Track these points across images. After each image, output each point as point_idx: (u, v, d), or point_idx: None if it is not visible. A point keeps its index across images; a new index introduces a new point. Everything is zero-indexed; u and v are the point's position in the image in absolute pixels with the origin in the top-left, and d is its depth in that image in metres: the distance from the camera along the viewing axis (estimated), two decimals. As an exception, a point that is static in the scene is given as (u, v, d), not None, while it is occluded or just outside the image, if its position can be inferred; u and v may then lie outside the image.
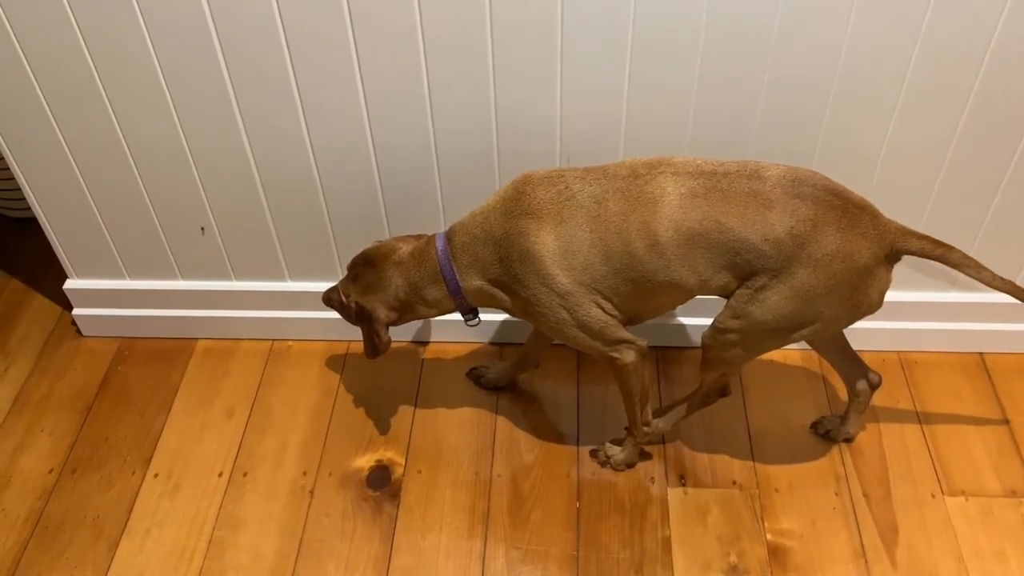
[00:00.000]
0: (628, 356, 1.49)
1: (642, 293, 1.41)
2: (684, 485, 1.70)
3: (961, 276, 1.76)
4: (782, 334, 1.41)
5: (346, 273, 1.61)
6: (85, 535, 1.66)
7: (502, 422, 1.82)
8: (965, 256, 1.39)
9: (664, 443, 1.76)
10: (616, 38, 1.46)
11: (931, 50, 1.45)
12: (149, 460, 1.78)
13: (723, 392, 1.68)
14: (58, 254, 1.91)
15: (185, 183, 1.74)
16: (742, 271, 1.35)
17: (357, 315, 1.58)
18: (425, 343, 1.98)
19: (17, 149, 1.71)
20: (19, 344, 2.05)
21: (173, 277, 1.93)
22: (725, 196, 1.32)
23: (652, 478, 1.71)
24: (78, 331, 2.05)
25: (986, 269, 1.40)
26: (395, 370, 1.93)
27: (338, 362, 1.96)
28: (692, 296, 1.44)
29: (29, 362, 2.01)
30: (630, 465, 1.72)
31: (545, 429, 1.80)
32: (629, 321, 1.50)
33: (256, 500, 1.70)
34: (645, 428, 1.64)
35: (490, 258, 1.45)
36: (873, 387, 1.66)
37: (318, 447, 1.79)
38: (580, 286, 1.41)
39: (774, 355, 1.91)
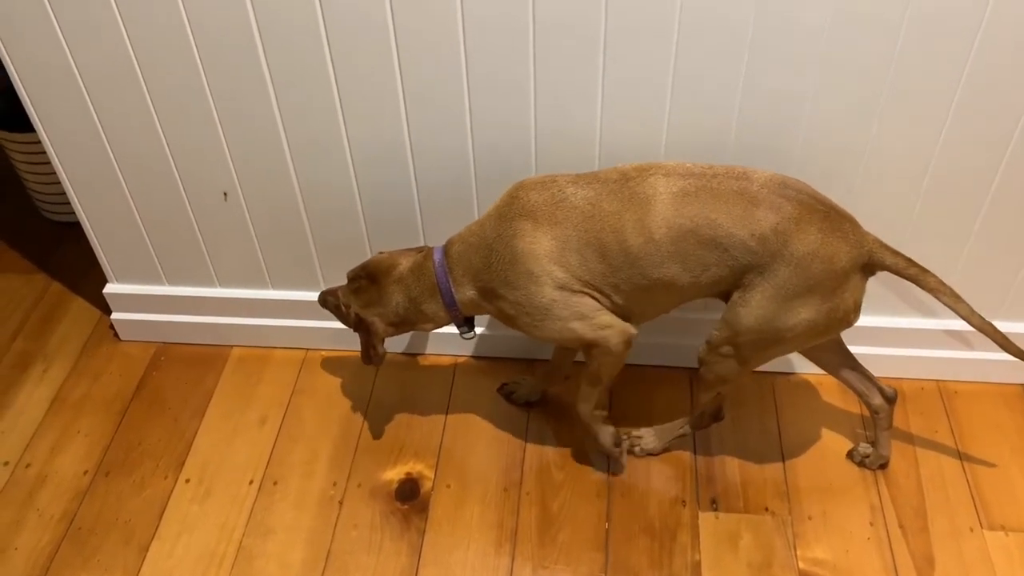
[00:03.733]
0: (614, 339, 1.49)
1: (637, 290, 1.44)
2: (716, 509, 1.67)
3: (1003, 304, 1.74)
4: (768, 342, 1.43)
5: (347, 282, 1.64)
6: (116, 537, 1.68)
7: (532, 439, 1.81)
8: (941, 283, 1.42)
9: (696, 466, 1.74)
10: (658, 51, 1.46)
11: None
12: (181, 465, 1.80)
13: (716, 416, 1.70)
14: (99, 258, 1.94)
15: (226, 192, 1.76)
16: (731, 268, 1.39)
17: (356, 324, 1.63)
18: (457, 357, 1.98)
19: (64, 154, 1.74)
20: (58, 346, 2.08)
21: (211, 284, 1.95)
22: (715, 194, 1.37)
23: (683, 501, 1.69)
24: (116, 335, 2.08)
25: (964, 302, 1.43)
26: (426, 383, 1.94)
27: (370, 373, 1.96)
28: (684, 298, 1.47)
29: (67, 364, 2.04)
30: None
31: (575, 448, 1.79)
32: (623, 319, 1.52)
33: (285, 509, 1.71)
34: (602, 413, 1.66)
35: (481, 264, 1.48)
36: (890, 401, 1.65)
37: (348, 458, 1.80)
38: (574, 279, 1.43)
39: (809, 380, 1.88)
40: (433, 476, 1.76)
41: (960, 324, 1.78)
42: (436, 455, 1.79)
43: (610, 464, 1.75)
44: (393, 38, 1.48)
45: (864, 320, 1.79)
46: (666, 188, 1.38)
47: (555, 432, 1.83)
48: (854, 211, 1.58)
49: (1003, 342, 1.48)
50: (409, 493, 1.73)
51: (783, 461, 1.75)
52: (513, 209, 1.45)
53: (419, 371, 1.96)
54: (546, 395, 1.88)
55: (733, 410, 1.84)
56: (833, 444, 1.77)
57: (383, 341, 1.62)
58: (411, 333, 1.90)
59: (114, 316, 2.05)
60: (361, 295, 1.60)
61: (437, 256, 1.54)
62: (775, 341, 1.43)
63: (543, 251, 1.42)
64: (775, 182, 1.37)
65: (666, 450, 1.76)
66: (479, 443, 1.81)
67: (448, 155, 1.64)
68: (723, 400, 1.69)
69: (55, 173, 1.78)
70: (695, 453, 1.77)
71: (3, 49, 1.58)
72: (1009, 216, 1.63)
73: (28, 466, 1.81)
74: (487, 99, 1.55)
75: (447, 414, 1.87)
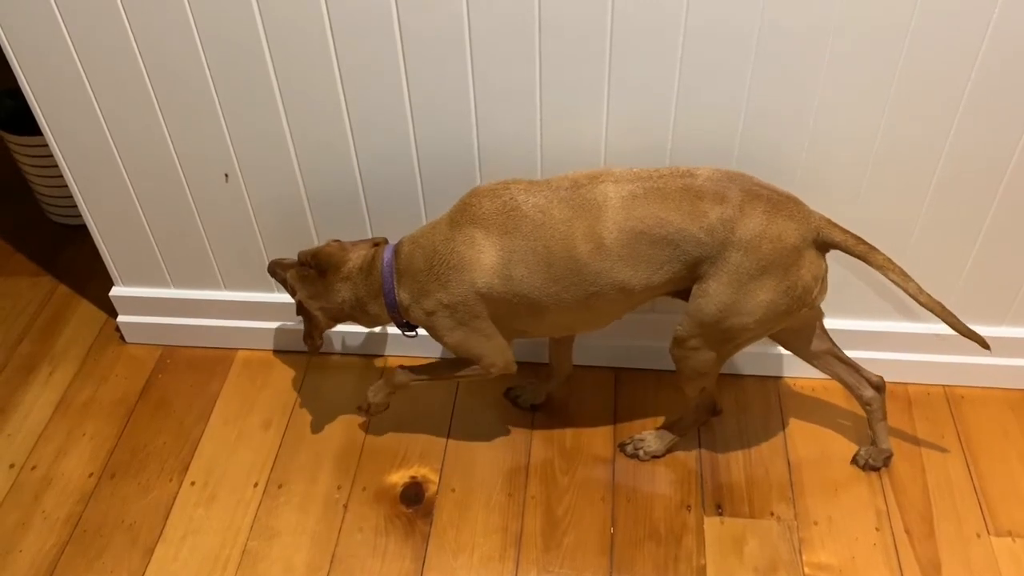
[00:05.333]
0: (497, 368, 1.57)
1: (583, 299, 1.45)
2: (721, 514, 1.67)
3: (1009, 310, 1.74)
4: (734, 328, 1.45)
5: (297, 262, 1.63)
6: (121, 540, 1.68)
7: (537, 443, 1.81)
8: (889, 260, 1.44)
9: (701, 471, 1.74)
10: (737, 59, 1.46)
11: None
12: (186, 468, 1.80)
13: (713, 410, 1.72)
14: (105, 261, 1.94)
15: (232, 197, 1.76)
16: (684, 263, 1.41)
17: (299, 309, 1.66)
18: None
19: (70, 157, 1.75)
20: (64, 348, 2.09)
21: (216, 287, 1.95)
22: (662, 194, 1.39)
23: (688, 506, 1.68)
24: (122, 338, 2.08)
25: (912, 281, 1.44)
26: (431, 386, 1.93)
27: (375, 376, 1.96)
28: (638, 301, 1.49)
29: (73, 366, 2.04)
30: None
31: (580, 452, 1.79)
32: (574, 330, 1.58)
33: (290, 512, 1.71)
34: (415, 380, 1.67)
35: (423, 265, 1.49)
36: (879, 389, 1.66)
37: (353, 461, 1.80)
38: (512, 294, 1.45)
39: (814, 384, 1.88)
40: (438, 480, 1.75)
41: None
42: (441, 459, 1.79)
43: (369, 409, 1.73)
44: (400, 42, 1.49)
45: (870, 325, 1.80)
46: (616, 193, 1.40)
47: (560, 436, 1.82)
48: (861, 217, 1.58)
49: (952, 321, 1.48)
50: (414, 497, 1.73)
51: (788, 466, 1.74)
52: (465, 216, 1.46)
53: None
54: (551, 397, 1.88)
55: (737, 414, 1.84)
56: (838, 448, 1.77)
57: (322, 334, 1.66)
58: (418, 336, 1.90)
59: (120, 319, 2.06)
60: (307, 284, 1.61)
61: (386, 256, 1.55)
62: (741, 327, 1.44)
63: (488, 263, 1.44)
64: (718, 175, 1.40)
65: (669, 451, 1.76)
66: (484, 447, 1.81)
67: (453, 157, 1.64)
68: (712, 393, 1.68)
69: (62, 176, 1.79)
70: (700, 458, 1.76)
71: (11, 52, 1.59)
72: (1018, 219, 1.62)
73: (34, 468, 1.82)
74: (493, 102, 1.56)
75: (452, 418, 1.87)
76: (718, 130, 1.54)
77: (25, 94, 1.65)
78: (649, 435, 1.76)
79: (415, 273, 1.51)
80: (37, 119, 1.69)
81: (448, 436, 1.83)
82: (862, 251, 1.43)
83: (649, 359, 1.89)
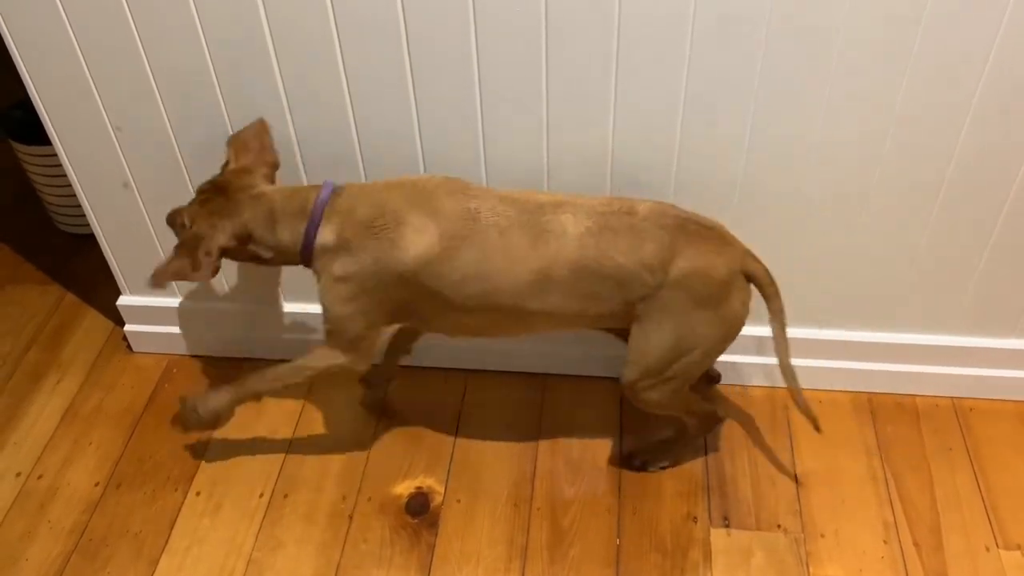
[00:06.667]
0: (346, 362, 1.55)
1: (508, 316, 1.48)
2: (728, 526, 1.66)
3: (1019, 322, 1.73)
4: (684, 363, 1.49)
5: (194, 197, 1.53)
6: (127, 550, 1.68)
7: (543, 454, 1.80)
8: (782, 311, 1.50)
9: (708, 483, 1.73)
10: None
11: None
12: (192, 478, 1.80)
13: (714, 419, 1.71)
14: (113, 271, 1.95)
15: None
16: (624, 301, 1.44)
17: (187, 240, 1.47)
18: (468, 371, 1.98)
19: (79, 167, 1.76)
20: (71, 357, 2.09)
21: (223, 298, 1.96)
22: (613, 232, 1.41)
23: (695, 518, 1.68)
24: (129, 347, 2.09)
25: (785, 342, 1.52)
26: (437, 396, 1.93)
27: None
28: (562, 327, 1.52)
29: (80, 375, 2.04)
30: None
31: (586, 463, 1.78)
32: (478, 335, 1.58)
33: (295, 523, 1.71)
34: (253, 401, 1.69)
35: (365, 217, 1.43)
36: (715, 381, 1.73)
37: (358, 471, 1.79)
38: (418, 294, 1.45)
39: (822, 397, 1.87)
40: (443, 491, 1.75)
41: (975, 341, 1.79)
42: (447, 469, 1.79)
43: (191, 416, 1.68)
44: (405, 44, 1.49)
45: (878, 336, 1.80)
46: (574, 228, 1.41)
47: (566, 447, 1.82)
48: (870, 226, 1.58)
49: (795, 394, 1.58)
50: (419, 508, 1.72)
51: (795, 478, 1.74)
52: (426, 201, 1.43)
53: (430, 384, 1.96)
54: (389, 397, 1.92)
55: (745, 426, 1.83)
56: (846, 461, 1.76)
57: (219, 256, 1.46)
58: (421, 342, 1.90)
59: (127, 328, 2.06)
60: (207, 209, 1.48)
61: (325, 193, 1.47)
62: (689, 361, 1.48)
63: (428, 255, 1.42)
64: (654, 212, 1.43)
65: (677, 463, 1.75)
66: (489, 457, 1.81)
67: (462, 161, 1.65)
68: (703, 407, 1.67)
69: (70, 186, 1.80)
70: (707, 469, 1.76)
71: (21, 62, 1.60)
72: (1025, 232, 1.62)
73: (40, 477, 1.82)
74: (500, 105, 1.56)
75: (458, 428, 1.87)
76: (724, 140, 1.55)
77: (35, 104, 1.66)
78: (655, 447, 1.75)
79: (352, 220, 1.44)
80: (46, 129, 1.70)
81: (454, 447, 1.83)
82: (770, 292, 1.49)
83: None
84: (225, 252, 1.48)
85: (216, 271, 1.47)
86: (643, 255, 1.40)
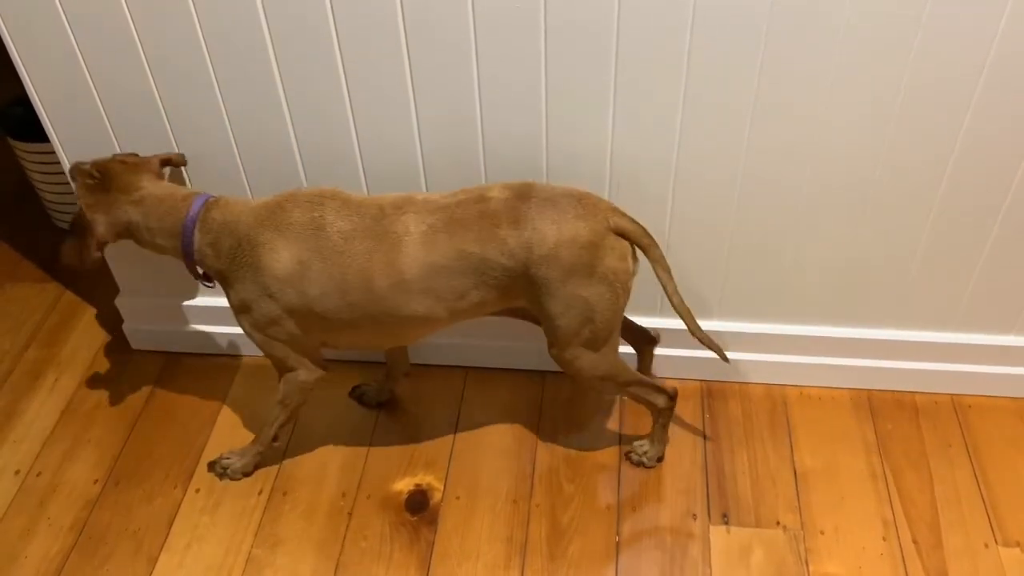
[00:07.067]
0: (303, 375, 1.61)
1: (384, 326, 1.49)
2: (727, 523, 1.66)
3: (1018, 318, 1.73)
4: (592, 328, 1.48)
5: (88, 171, 1.54)
6: (126, 547, 1.68)
7: (542, 451, 1.80)
8: (663, 258, 1.50)
9: (707, 480, 1.73)
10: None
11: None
12: (191, 475, 1.80)
13: (663, 393, 1.65)
14: (111, 268, 1.95)
15: (238, 202, 1.77)
16: (494, 288, 1.45)
17: (75, 225, 1.54)
18: (468, 368, 1.98)
19: (77, 165, 1.75)
20: (70, 355, 2.09)
21: (221, 295, 1.95)
22: (462, 224, 1.41)
23: (694, 515, 1.68)
24: (127, 345, 2.09)
25: (672, 279, 1.51)
26: (436, 393, 1.93)
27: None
28: (447, 324, 1.51)
29: (79, 373, 2.04)
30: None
31: (586, 460, 1.78)
32: (380, 348, 1.60)
33: (295, 520, 1.71)
34: (275, 443, 1.74)
35: (228, 251, 1.48)
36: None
37: (358, 469, 1.79)
38: (306, 310, 1.47)
39: (822, 394, 1.87)
40: (443, 487, 1.75)
41: (974, 337, 1.79)
42: (446, 466, 1.79)
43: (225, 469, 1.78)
44: (405, 47, 1.49)
45: (878, 333, 1.80)
46: (416, 227, 1.42)
47: (565, 443, 1.82)
48: (871, 221, 1.58)
49: (694, 327, 1.55)
50: (418, 504, 1.72)
51: (795, 475, 1.74)
52: (274, 219, 1.45)
53: (429, 381, 1.96)
54: (394, 395, 1.92)
55: (744, 423, 1.83)
56: (845, 458, 1.76)
57: (102, 247, 1.54)
58: (421, 343, 1.90)
59: (125, 326, 2.06)
60: (91, 193, 1.52)
61: (195, 208, 1.50)
62: (595, 327, 1.48)
63: (284, 273, 1.44)
64: (507, 192, 1.43)
65: (662, 450, 1.76)
66: (489, 454, 1.81)
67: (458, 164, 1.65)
68: (651, 383, 1.64)
69: (68, 183, 1.79)
70: (706, 467, 1.76)
71: (18, 59, 1.59)
72: (1024, 229, 1.62)
73: (39, 475, 1.82)
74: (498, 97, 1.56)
75: (457, 425, 1.87)
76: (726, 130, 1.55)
77: (33, 102, 1.66)
78: (646, 442, 1.76)
79: (221, 253, 1.49)
80: (44, 127, 1.70)
81: (453, 444, 1.83)
82: (645, 243, 1.48)
83: (653, 367, 1.89)
84: (109, 242, 1.55)
85: (101, 251, 1.54)
86: (499, 241, 1.40)
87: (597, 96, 1.51)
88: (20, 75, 1.62)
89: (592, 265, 1.43)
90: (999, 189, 1.57)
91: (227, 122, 1.63)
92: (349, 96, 1.56)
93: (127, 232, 1.56)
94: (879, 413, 1.84)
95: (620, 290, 1.47)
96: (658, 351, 1.85)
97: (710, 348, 1.60)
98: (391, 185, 1.68)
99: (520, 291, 1.46)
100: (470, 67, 1.49)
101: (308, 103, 1.59)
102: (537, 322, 1.55)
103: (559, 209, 1.42)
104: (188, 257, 1.53)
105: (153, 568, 1.64)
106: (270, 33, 1.50)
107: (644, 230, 1.48)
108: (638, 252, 1.49)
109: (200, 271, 1.57)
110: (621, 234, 1.46)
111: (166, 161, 1.62)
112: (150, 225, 1.53)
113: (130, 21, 1.51)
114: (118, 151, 1.71)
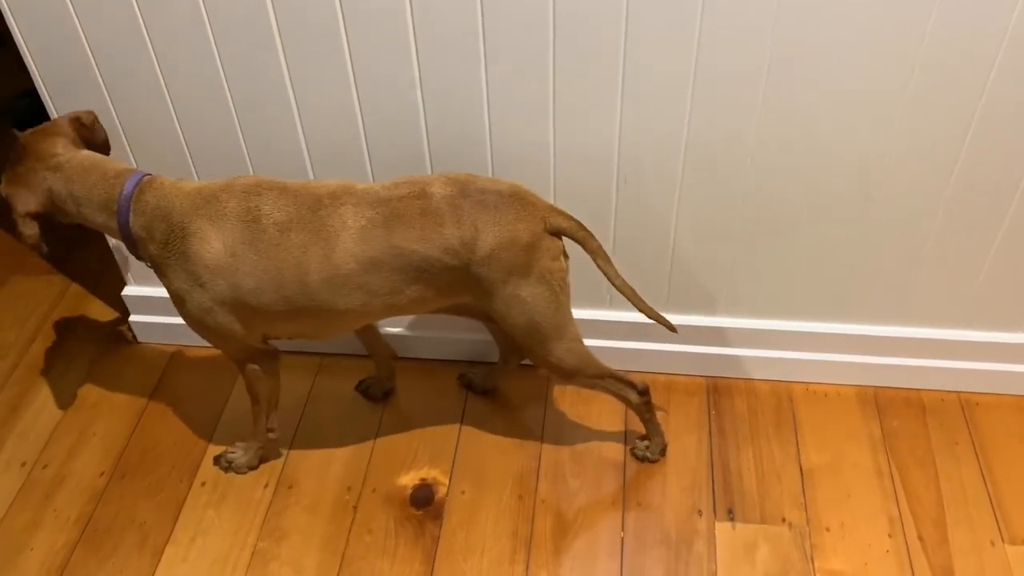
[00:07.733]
0: (255, 365, 1.60)
1: (319, 319, 1.47)
2: (732, 520, 1.66)
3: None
4: (544, 326, 1.48)
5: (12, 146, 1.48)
6: (131, 540, 1.68)
7: (548, 446, 1.80)
8: (601, 248, 1.50)
9: (713, 476, 1.73)
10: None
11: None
12: (197, 468, 1.80)
13: (633, 388, 1.65)
14: (118, 261, 1.95)
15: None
16: (432, 286, 1.44)
17: (7, 202, 1.46)
18: (471, 363, 1.98)
19: (84, 158, 1.75)
20: (77, 348, 2.09)
21: (228, 288, 1.96)
22: (402, 220, 1.39)
23: (700, 511, 1.68)
24: (134, 337, 2.09)
25: (612, 265, 1.51)
26: (442, 388, 1.93)
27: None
28: (383, 316, 1.50)
29: (85, 366, 2.05)
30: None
31: (591, 456, 1.78)
32: (319, 338, 1.57)
33: (300, 513, 1.71)
34: (270, 435, 1.73)
35: (161, 237, 1.43)
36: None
37: (363, 463, 1.79)
38: (239, 302, 1.44)
39: (827, 391, 1.87)
40: (448, 482, 1.75)
41: (981, 335, 1.78)
42: (451, 461, 1.79)
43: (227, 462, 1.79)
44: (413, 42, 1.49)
45: (884, 330, 1.79)
46: (354, 221, 1.39)
47: (570, 439, 1.82)
48: (879, 219, 1.57)
49: (641, 305, 1.56)
50: (424, 499, 1.72)
51: (800, 471, 1.73)
52: (210, 207, 1.41)
53: (434, 376, 1.96)
54: (393, 382, 1.93)
55: (749, 420, 1.83)
56: (851, 455, 1.76)
57: (33, 223, 1.46)
58: (424, 334, 1.90)
59: (132, 318, 2.06)
60: (15, 168, 1.45)
61: (129, 187, 1.43)
62: (545, 324, 1.48)
63: (215, 262, 1.41)
64: (449, 188, 1.41)
65: (655, 443, 1.75)
66: (494, 449, 1.81)
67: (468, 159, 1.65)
68: (623, 378, 1.64)
69: (75, 176, 1.79)
70: (712, 463, 1.76)
71: (26, 51, 1.60)
72: (1033, 226, 1.61)
73: (45, 467, 1.82)
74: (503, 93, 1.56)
75: (462, 420, 1.87)
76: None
77: (40, 94, 1.66)
78: (644, 436, 1.76)
79: (154, 238, 1.44)
80: (51, 118, 1.69)
81: (458, 438, 1.83)
82: (581, 237, 1.48)
83: (656, 363, 1.89)
84: (42, 217, 1.46)
85: (36, 226, 1.46)
86: (442, 239, 1.39)
87: (604, 91, 1.50)
88: (28, 66, 1.62)
89: (529, 266, 1.42)
90: (1008, 185, 1.56)
91: (234, 115, 1.63)
92: (356, 89, 1.56)
93: (51, 203, 1.46)
94: (885, 410, 1.83)
95: (558, 287, 1.47)
96: (662, 347, 1.85)
97: (657, 321, 1.59)
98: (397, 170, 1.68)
99: (463, 288, 1.45)
100: (478, 71, 1.49)
101: (316, 97, 1.58)
102: (483, 319, 1.56)
103: (501, 209, 1.40)
104: (127, 239, 1.47)
105: (158, 561, 1.64)
106: (278, 26, 1.49)
107: (579, 224, 1.47)
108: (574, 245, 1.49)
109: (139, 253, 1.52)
110: (558, 233, 1.46)
111: (75, 119, 1.51)
112: (74, 193, 1.44)
113: (138, 12, 1.51)
114: (124, 143, 1.71)
